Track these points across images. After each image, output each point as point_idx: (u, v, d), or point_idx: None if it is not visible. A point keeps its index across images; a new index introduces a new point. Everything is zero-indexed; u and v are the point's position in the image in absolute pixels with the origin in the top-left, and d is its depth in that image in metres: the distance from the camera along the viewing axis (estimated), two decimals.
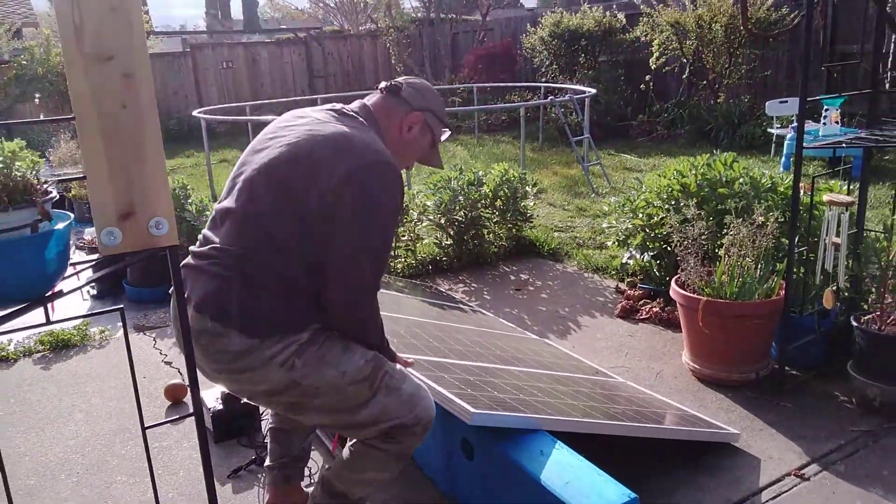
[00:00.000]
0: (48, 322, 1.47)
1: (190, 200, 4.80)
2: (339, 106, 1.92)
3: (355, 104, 1.94)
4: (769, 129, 8.09)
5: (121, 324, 4.27)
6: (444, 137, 2.07)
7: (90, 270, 3.64)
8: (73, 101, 1.42)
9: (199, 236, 1.85)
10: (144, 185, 1.51)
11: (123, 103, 1.46)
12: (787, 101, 7.82)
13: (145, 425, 1.71)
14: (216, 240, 1.76)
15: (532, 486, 1.88)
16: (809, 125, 3.67)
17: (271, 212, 1.71)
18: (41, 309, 1.47)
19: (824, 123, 6.13)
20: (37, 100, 12.48)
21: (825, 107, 5.89)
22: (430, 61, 15.71)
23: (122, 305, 1.56)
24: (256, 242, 1.70)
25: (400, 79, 1.99)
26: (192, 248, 1.83)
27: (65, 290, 1.39)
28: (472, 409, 1.93)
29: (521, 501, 1.95)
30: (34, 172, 1.31)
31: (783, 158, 7.18)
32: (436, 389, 2.05)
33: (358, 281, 1.73)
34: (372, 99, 1.96)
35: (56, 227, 1.32)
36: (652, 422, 2.34)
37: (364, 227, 1.70)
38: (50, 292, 1.38)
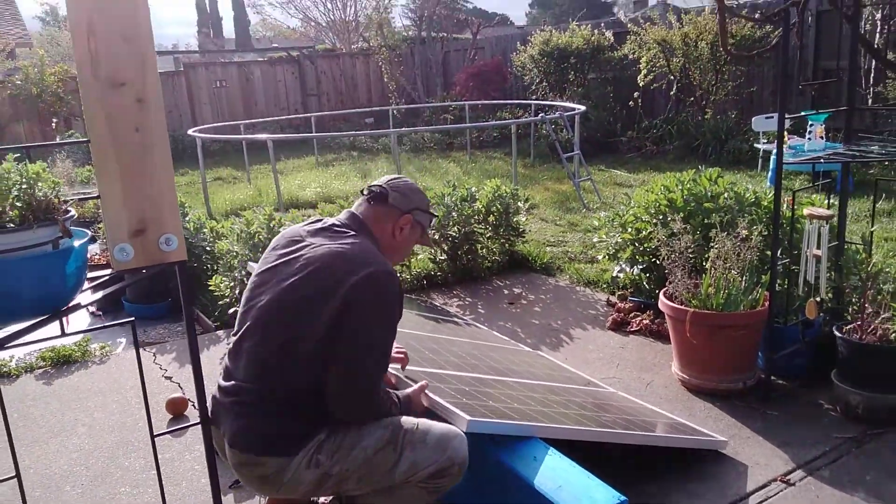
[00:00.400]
0: (63, 334, 1.54)
1: (188, 218, 4.87)
2: (329, 221, 2.04)
3: (344, 216, 2.06)
4: (756, 145, 8.24)
5: (121, 340, 4.32)
6: (430, 224, 2.25)
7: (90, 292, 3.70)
8: (87, 124, 1.50)
9: (221, 367, 2.02)
10: (155, 204, 1.60)
11: (136, 126, 1.55)
12: (772, 117, 7.98)
13: (154, 433, 1.78)
14: (237, 376, 1.92)
15: (525, 490, 1.95)
16: (795, 140, 3.77)
17: (282, 349, 1.85)
18: (55, 323, 1.55)
19: (809, 139, 6.28)
20: (54, 124, 12.54)
21: (810, 122, 6.04)
22: (422, 79, 15.88)
23: (132, 318, 1.63)
24: (271, 379, 1.86)
25: (381, 181, 2.11)
26: (220, 381, 1.98)
27: (82, 303, 1.46)
28: (468, 417, 2.00)
29: (510, 501, 2.02)
30: (55, 192, 1.38)
31: (770, 173, 7.32)
32: (432, 399, 2.12)
33: (365, 379, 1.87)
34: (360, 209, 2.08)
35: (75, 244, 1.39)
36: (642, 430, 2.42)
37: (372, 329, 1.84)
38: (66, 306, 1.46)
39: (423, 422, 1.96)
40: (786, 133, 3.94)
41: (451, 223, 4.90)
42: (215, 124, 12.44)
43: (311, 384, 1.86)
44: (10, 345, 1.40)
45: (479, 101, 13.02)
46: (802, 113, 4.96)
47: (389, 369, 2.20)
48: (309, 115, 13.33)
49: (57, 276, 1.34)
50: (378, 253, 1.95)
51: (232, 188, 9.51)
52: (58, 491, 2.62)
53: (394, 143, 8.75)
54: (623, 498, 1.85)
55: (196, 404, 1.81)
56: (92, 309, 4.69)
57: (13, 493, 2.59)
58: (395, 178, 2.13)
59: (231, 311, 4.20)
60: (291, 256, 1.95)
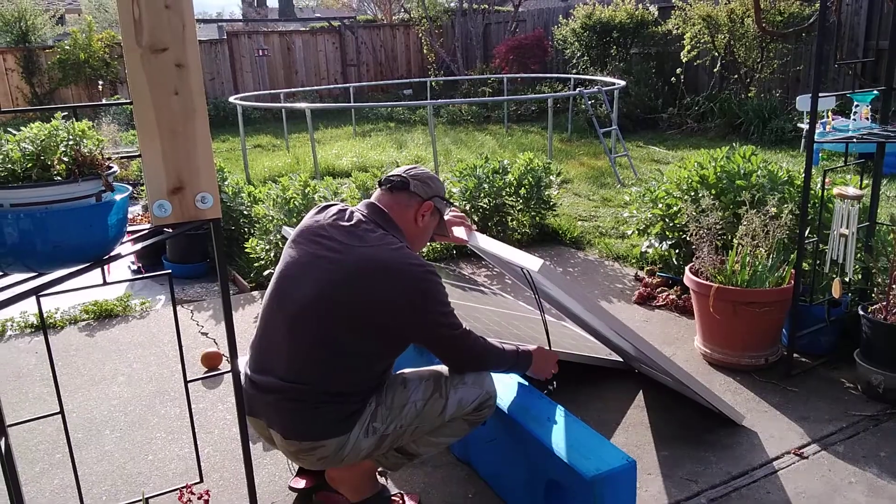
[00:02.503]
0: (104, 283, 1.66)
1: (227, 182, 5.01)
2: (354, 216, 2.03)
3: (366, 208, 2.07)
4: (799, 125, 8.06)
5: (160, 297, 4.49)
6: (446, 214, 2.31)
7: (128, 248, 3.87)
8: (130, 87, 1.59)
9: (250, 349, 2.08)
10: (192, 163, 1.69)
11: (176, 90, 1.64)
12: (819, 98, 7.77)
13: (187, 379, 1.90)
14: (276, 373, 1.96)
15: (539, 450, 2.03)
16: (840, 121, 3.72)
17: (323, 350, 1.91)
18: (97, 275, 1.65)
19: (854, 119, 6.14)
20: (100, 86, 12.89)
21: (856, 103, 5.90)
22: (462, 51, 15.80)
23: (169, 270, 1.74)
24: (315, 376, 1.92)
25: (400, 171, 2.13)
26: (251, 373, 2.03)
27: (122, 254, 1.56)
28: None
29: (528, 463, 2.10)
30: (99, 149, 1.48)
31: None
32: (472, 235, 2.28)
33: (459, 352, 2.02)
34: (382, 199, 2.10)
35: (116, 198, 1.49)
36: (669, 376, 2.46)
37: (437, 324, 1.95)
38: (107, 256, 1.56)
39: None
40: (831, 113, 3.88)
41: (482, 195, 4.95)
42: (256, 92, 12.61)
43: (356, 372, 1.94)
44: (54, 290, 1.51)
45: (518, 75, 12.92)
46: (841, 93, 4.85)
47: (457, 234, 2.31)
48: (348, 85, 13.41)
49: (99, 227, 1.44)
50: (409, 252, 1.97)
51: (271, 155, 9.67)
52: (98, 434, 2.78)
53: (430, 115, 8.78)
54: (632, 459, 1.91)
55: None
56: (134, 267, 4.89)
57: (58, 434, 2.78)
58: (413, 168, 2.16)
59: (266, 272, 4.34)
60: (322, 255, 1.95)
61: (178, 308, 4.13)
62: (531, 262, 1.99)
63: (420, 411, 2.01)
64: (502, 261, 2.30)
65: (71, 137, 1.44)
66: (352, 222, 2.02)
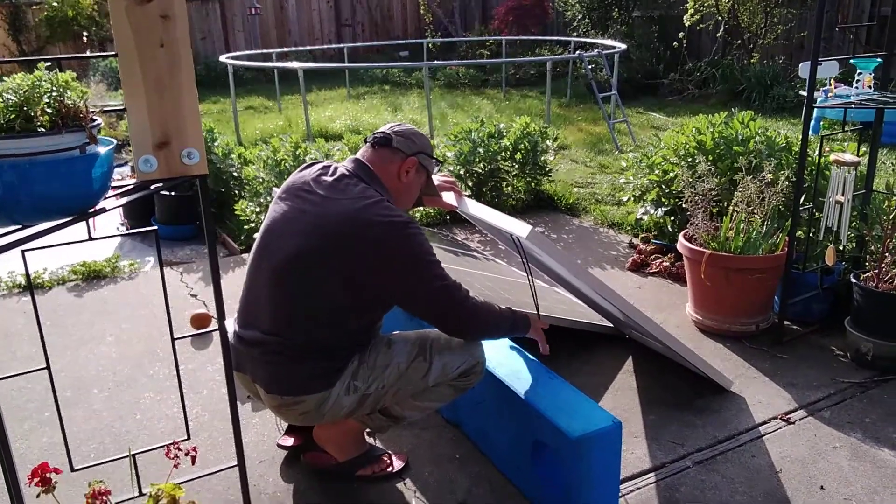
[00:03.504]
0: (90, 238, 1.63)
1: (217, 143, 4.94)
2: (338, 170, 2.02)
3: (350, 164, 2.04)
4: (801, 92, 7.97)
5: (149, 259, 4.46)
6: (435, 170, 2.26)
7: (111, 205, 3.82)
8: (115, 38, 1.54)
9: (237, 311, 2.06)
10: (178, 118, 1.65)
11: (161, 41, 1.59)
12: (821, 64, 7.69)
13: (174, 337, 1.88)
14: (259, 326, 1.97)
15: (526, 410, 2.03)
16: (843, 89, 3.66)
17: (305, 302, 1.91)
18: (82, 231, 1.63)
19: (857, 87, 6.08)
20: (85, 38, 12.63)
21: (858, 71, 5.83)
22: (460, 12, 15.53)
23: (155, 227, 1.71)
24: (297, 329, 1.92)
25: (384, 128, 2.10)
26: (237, 328, 2.03)
27: (107, 207, 1.54)
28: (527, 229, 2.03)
29: (516, 424, 2.11)
30: (83, 101, 1.44)
31: (812, 122, 7.10)
32: (462, 201, 2.25)
33: (446, 307, 1.94)
34: (366, 154, 2.07)
35: (101, 151, 1.46)
36: (658, 341, 2.47)
37: (418, 276, 1.90)
38: (92, 209, 1.54)
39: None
40: (833, 81, 3.82)
41: (476, 159, 4.90)
42: (248, 52, 12.39)
43: (337, 327, 1.93)
44: (38, 244, 1.49)
45: (517, 37, 12.73)
46: (843, 57, 4.78)
47: (446, 199, 2.28)
48: (342, 45, 13.19)
49: (83, 179, 1.41)
50: (389, 205, 1.95)
51: (263, 118, 9.54)
52: (86, 393, 2.78)
53: (426, 77, 8.64)
54: (617, 420, 1.92)
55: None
56: (123, 229, 4.85)
57: (47, 392, 2.77)
58: (398, 125, 2.14)
59: (256, 235, 4.31)
60: (305, 209, 1.95)
61: (168, 270, 4.10)
62: (519, 227, 1.96)
63: (402, 373, 2.00)
64: (492, 227, 2.27)
65: (54, 88, 1.40)
66: (335, 177, 2.00)
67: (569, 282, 2.72)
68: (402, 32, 16.35)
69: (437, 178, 2.29)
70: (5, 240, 1.48)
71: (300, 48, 13.05)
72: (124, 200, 1.59)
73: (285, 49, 12.72)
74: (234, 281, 3.84)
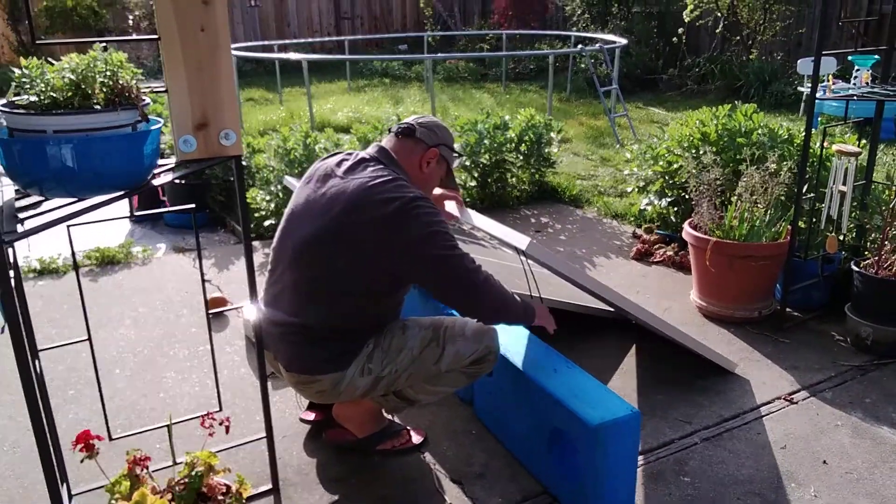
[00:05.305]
0: (132, 216, 1.71)
1: None
2: (360, 155, 2.10)
3: (373, 149, 2.12)
4: (800, 88, 8.06)
5: (160, 245, 4.51)
6: (455, 164, 2.32)
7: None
8: (158, 22, 1.62)
9: (263, 292, 2.14)
10: (217, 100, 1.73)
11: (202, 26, 1.66)
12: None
13: (209, 311, 1.96)
14: (282, 308, 2.05)
15: (545, 399, 2.09)
16: (841, 85, 3.75)
17: (323, 283, 1.98)
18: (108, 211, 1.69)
19: (855, 83, 6.18)
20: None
21: (856, 67, 5.93)
22: (460, 6, 15.57)
23: (193, 206, 1.77)
24: (315, 311, 2.00)
25: (409, 119, 2.18)
26: (264, 307, 2.10)
27: (155, 183, 1.61)
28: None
29: (532, 412, 2.17)
30: (134, 81, 1.51)
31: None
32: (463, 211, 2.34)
33: (457, 279, 1.93)
34: (389, 143, 2.14)
35: (152, 128, 1.53)
36: (666, 331, 2.54)
37: (430, 246, 1.91)
38: (143, 184, 1.61)
39: (461, 319, 2.14)
40: (831, 77, 3.91)
41: (482, 150, 4.97)
42: (248, 43, 12.41)
43: (355, 308, 2.00)
44: (83, 220, 1.56)
45: (517, 31, 12.78)
46: (843, 51, 4.87)
47: (448, 209, 2.36)
48: (342, 38, 13.22)
49: (136, 155, 1.49)
50: (403, 182, 1.99)
51: (264, 109, 9.58)
52: (108, 374, 2.85)
53: (428, 70, 8.70)
54: (636, 409, 1.96)
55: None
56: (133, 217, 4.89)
57: (69, 372, 2.84)
58: (422, 116, 2.21)
59: (266, 223, 4.38)
60: (325, 191, 2.01)
61: (180, 256, 4.17)
62: (520, 240, 2.05)
63: (415, 358, 2.06)
64: (493, 236, 2.34)
65: (108, 68, 1.48)
66: (355, 160, 2.08)
67: (574, 280, 2.79)
68: (402, 26, 16.37)
69: (439, 190, 2.36)
70: (52, 215, 1.56)
71: (300, 41, 13.06)
72: (170, 178, 1.65)
73: (285, 41, 12.73)
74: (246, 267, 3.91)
